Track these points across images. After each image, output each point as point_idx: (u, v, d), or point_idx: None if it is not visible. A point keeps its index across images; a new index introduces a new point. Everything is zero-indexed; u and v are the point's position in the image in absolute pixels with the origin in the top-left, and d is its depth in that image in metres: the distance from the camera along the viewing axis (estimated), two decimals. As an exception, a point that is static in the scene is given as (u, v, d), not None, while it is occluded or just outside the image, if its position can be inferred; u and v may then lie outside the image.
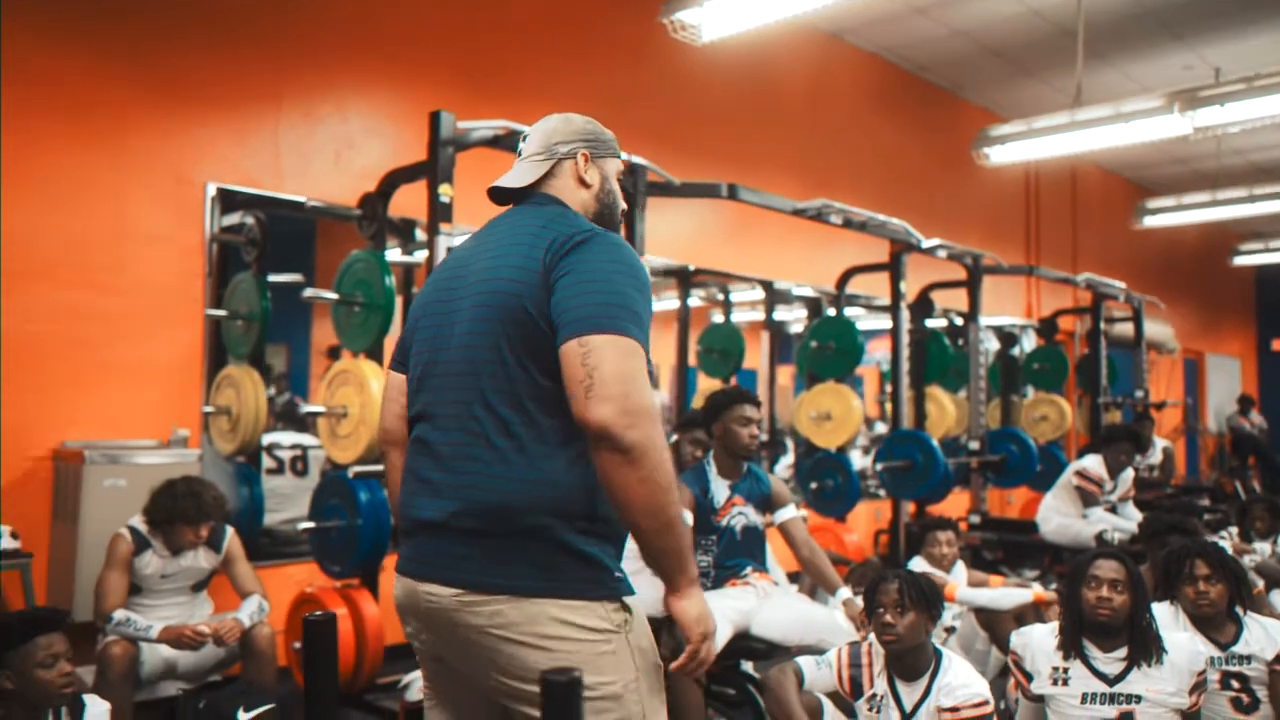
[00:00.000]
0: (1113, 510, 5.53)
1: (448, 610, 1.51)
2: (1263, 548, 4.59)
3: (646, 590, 3.40)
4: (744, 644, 3.35)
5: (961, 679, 2.60)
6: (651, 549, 1.50)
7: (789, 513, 3.55)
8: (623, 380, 1.42)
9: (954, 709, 2.54)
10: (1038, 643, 2.76)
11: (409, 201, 3.97)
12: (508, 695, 1.53)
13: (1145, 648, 2.62)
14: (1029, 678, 2.73)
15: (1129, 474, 5.59)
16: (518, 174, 1.75)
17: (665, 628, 3.02)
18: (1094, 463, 5.50)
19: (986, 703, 2.56)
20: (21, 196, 3.75)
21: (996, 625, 3.83)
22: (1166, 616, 2.92)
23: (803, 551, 3.53)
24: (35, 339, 3.77)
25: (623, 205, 1.83)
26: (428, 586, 1.54)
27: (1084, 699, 2.62)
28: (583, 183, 1.76)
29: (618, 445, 1.41)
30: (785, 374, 7.19)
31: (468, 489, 1.52)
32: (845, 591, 3.36)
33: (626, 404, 1.40)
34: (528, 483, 1.49)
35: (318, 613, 1.59)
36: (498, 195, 1.79)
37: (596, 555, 1.52)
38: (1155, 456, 7.52)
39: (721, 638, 3.20)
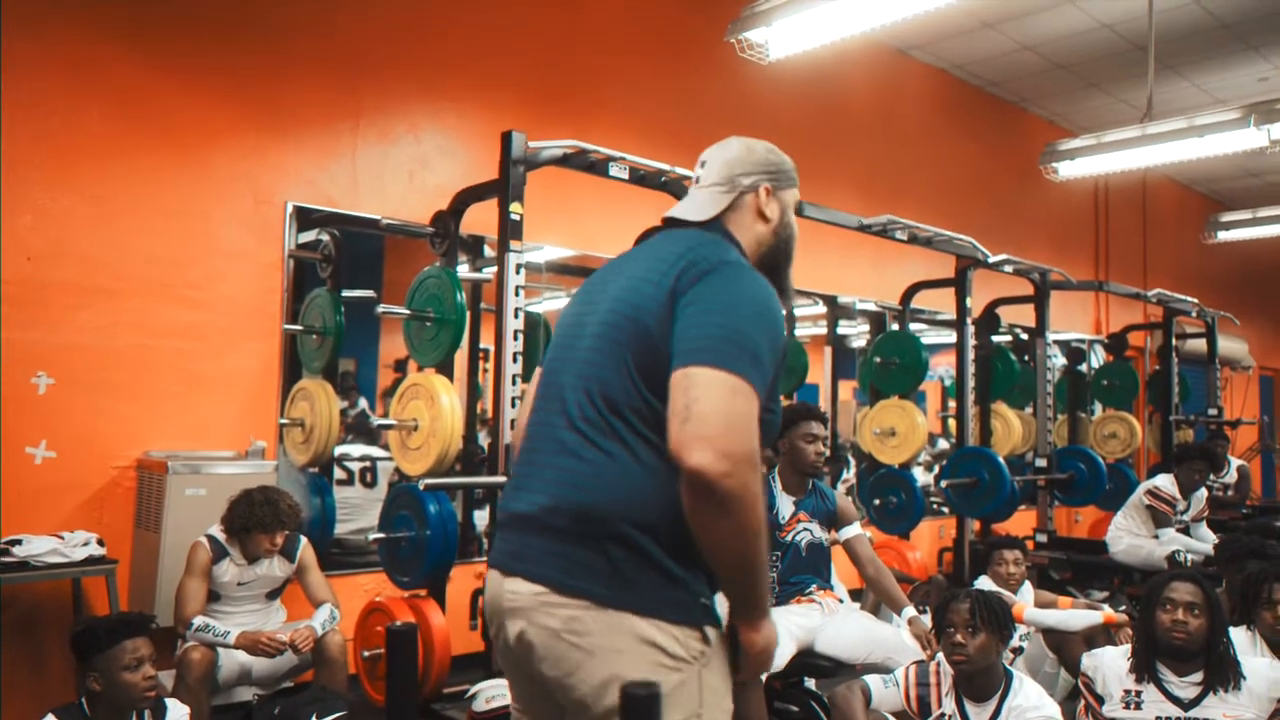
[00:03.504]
0: (1185, 531, 5.42)
1: (526, 610, 1.49)
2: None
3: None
4: (808, 661, 3.34)
5: (1033, 701, 2.58)
6: (731, 590, 1.46)
7: (854, 530, 3.54)
8: (724, 419, 1.32)
9: None
10: (1109, 665, 2.72)
11: (480, 219, 4.05)
12: (574, 709, 1.49)
13: (1222, 673, 2.57)
14: (1100, 700, 2.70)
15: (1202, 494, 5.48)
16: (697, 205, 1.71)
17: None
18: (1166, 482, 5.39)
19: None
20: (114, 217, 3.90)
21: (1065, 647, 3.78)
22: (1244, 642, 2.86)
23: (868, 569, 3.51)
24: (123, 352, 3.91)
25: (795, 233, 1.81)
26: (511, 583, 1.52)
27: (1158, 724, 2.58)
28: (763, 217, 1.73)
29: (710, 493, 1.31)
30: (847, 389, 7.15)
31: (563, 486, 1.49)
32: (911, 610, 3.35)
33: (724, 446, 1.30)
34: (624, 490, 1.45)
35: (399, 623, 1.64)
36: (672, 226, 1.74)
37: (683, 577, 1.46)
38: (1230, 476, 7.33)
39: (785, 654, 3.20)
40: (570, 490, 1.48)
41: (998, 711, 2.60)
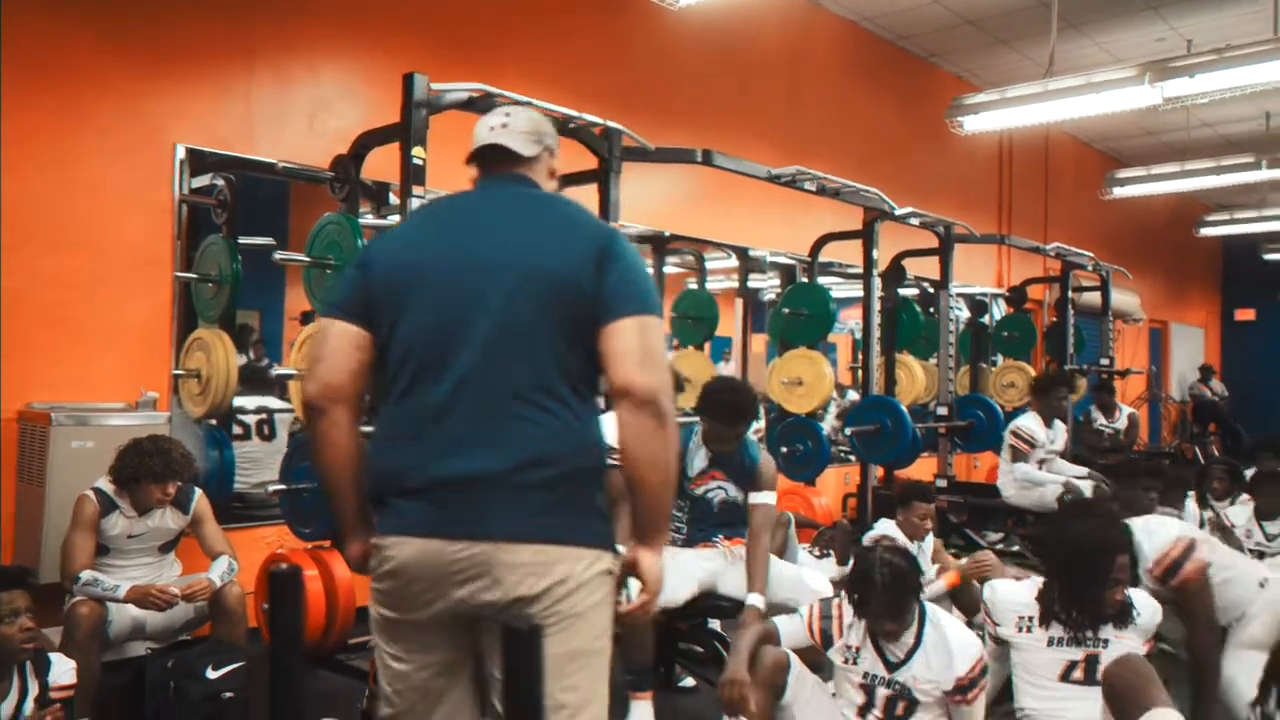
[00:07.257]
0: (1040, 466, 5.68)
1: (483, 553, 1.61)
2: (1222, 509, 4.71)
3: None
4: (712, 603, 3.39)
5: (952, 631, 2.65)
6: (650, 504, 1.68)
7: (760, 498, 3.41)
8: (661, 353, 1.68)
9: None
10: (1004, 599, 2.83)
11: (382, 164, 3.94)
12: (502, 610, 1.62)
13: (1123, 615, 2.70)
14: (996, 625, 2.81)
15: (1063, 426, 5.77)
16: (516, 141, 1.85)
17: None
18: (1028, 421, 5.64)
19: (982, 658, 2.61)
20: (-16, 154, 3.69)
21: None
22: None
23: (749, 537, 3.42)
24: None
25: None
26: (459, 545, 1.61)
27: (1050, 643, 2.70)
28: (553, 176, 1.93)
29: (658, 409, 1.62)
30: (760, 341, 7.22)
31: (534, 442, 1.64)
32: (755, 598, 3.28)
33: (665, 376, 1.65)
34: (578, 445, 1.67)
35: (282, 565, 1.59)
36: (490, 152, 1.86)
37: (605, 512, 1.74)
38: (1120, 422, 7.65)
39: (686, 593, 3.24)
40: (543, 445, 1.64)
41: (918, 642, 2.64)
